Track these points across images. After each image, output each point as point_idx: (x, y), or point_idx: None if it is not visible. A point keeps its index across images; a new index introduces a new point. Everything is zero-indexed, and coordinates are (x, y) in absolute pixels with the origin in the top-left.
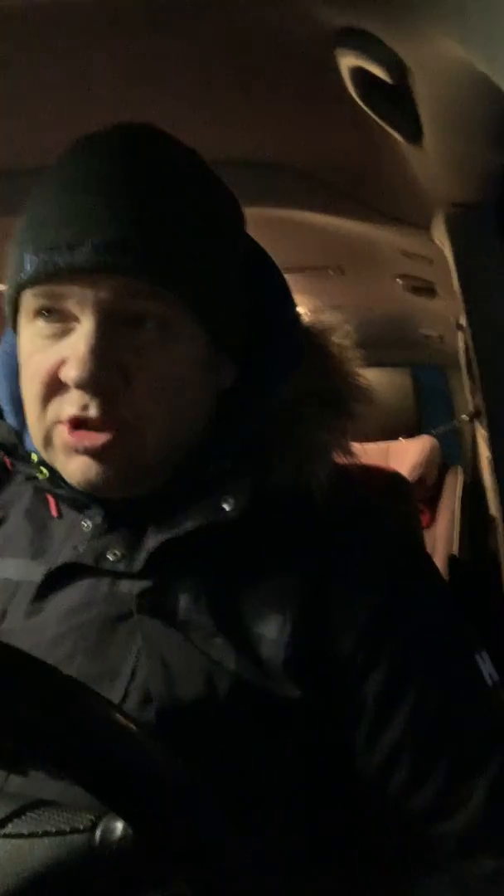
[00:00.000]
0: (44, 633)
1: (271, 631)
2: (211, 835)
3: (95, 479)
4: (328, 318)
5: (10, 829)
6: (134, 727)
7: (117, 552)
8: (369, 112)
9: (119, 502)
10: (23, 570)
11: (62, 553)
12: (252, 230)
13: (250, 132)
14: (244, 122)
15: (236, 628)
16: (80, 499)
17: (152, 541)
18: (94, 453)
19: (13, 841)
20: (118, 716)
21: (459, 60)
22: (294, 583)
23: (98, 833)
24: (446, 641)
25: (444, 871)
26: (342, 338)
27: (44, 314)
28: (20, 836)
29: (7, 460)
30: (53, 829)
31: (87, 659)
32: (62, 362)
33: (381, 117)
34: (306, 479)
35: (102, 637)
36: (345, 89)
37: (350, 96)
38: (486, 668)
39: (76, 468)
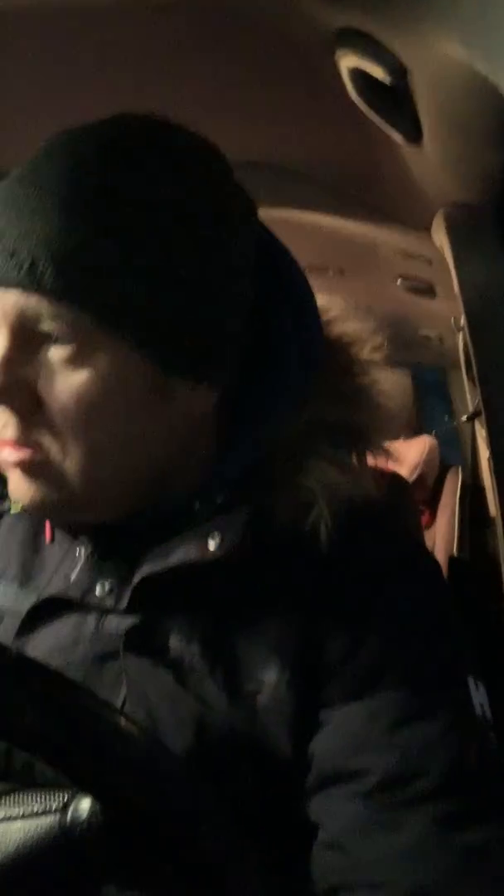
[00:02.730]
0: None
1: (270, 675)
2: (181, 811)
3: (24, 499)
4: (356, 327)
5: None
6: (105, 707)
7: (106, 584)
8: (369, 113)
9: (108, 531)
10: (10, 597)
11: (52, 582)
12: None
13: (250, 132)
14: (244, 122)
15: (231, 671)
16: (69, 526)
17: (137, 577)
18: (23, 469)
19: None
20: (88, 697)
21: (459, 61)
22: (292, 624)
23: (69, 813)
24: (431, 665)
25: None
26: (371, 353)
27: None
28: None
29: None
30: (24, 812)
31: None
32: None
33: (380, 118)
34: (314, 523)
35: (88, 678)
36: (345, 90)
37: (349, 97)
38: (479, 697)
39: (12, 485)
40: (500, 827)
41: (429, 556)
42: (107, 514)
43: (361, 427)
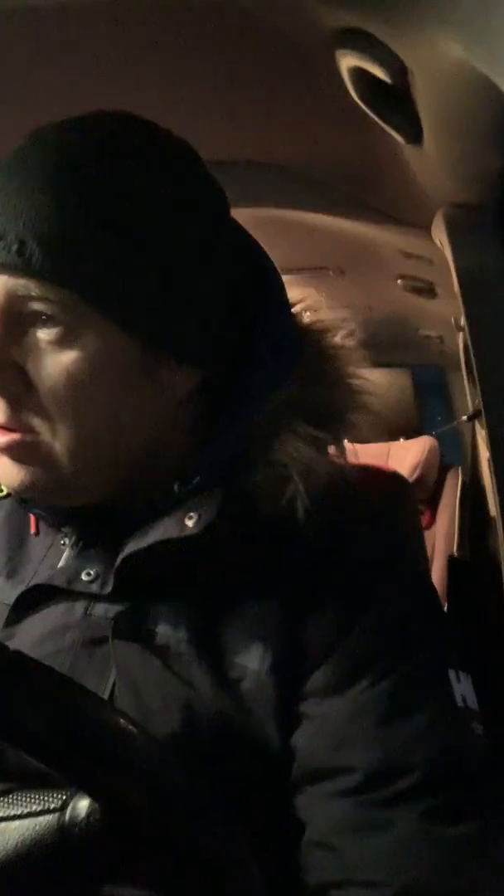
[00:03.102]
0: None
1: (253, 661)
2: (180, 810)
3: (12, 482)
4: (327, 316)
5: None
6: (102, 704)
7: (91, 571)
8: (369, 112)
9: (92, 519)
10: None
11: (38, 573)
12: (252, 230)
13: (250, 132)
14: (244, 122)
15: (216, 657)
16: (53, 516)
17: (119, 556)
18: (9, 454)
19: None
20: (85, 695)
21: (459, 61)
22: (275, 608)
23: (68, 812)
24: (414, 657)
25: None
26: (344, 338)
27: None
28: None
29: None
30: (23, 812)
31: None
32: None
33: (381, 118)
34: (290, 500)
35: (77, 663)
36: (345, 89)
37: (350, 96)
38: (461, 688)
39: (1, 469)
40: (486, 819)
41: (412, 547)
42: (92, 496)
43: (335, 407)
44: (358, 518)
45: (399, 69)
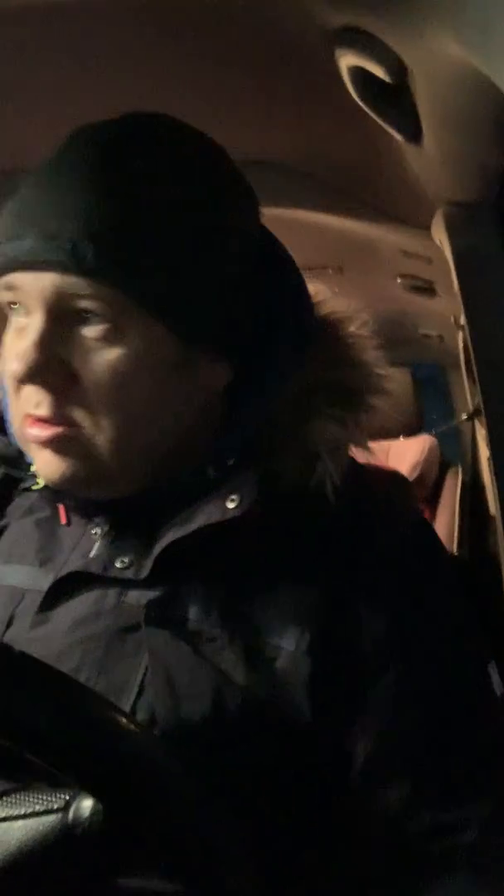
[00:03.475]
0: (50, 645)
1: (289, 642)
2: (182, 809)
3: (54, 475)
4: (343, 307)
5: None
6: (105, 704)
7: (125, 559)
8: (369, 112)
9: (124, 508)
10: (30, 578)
11: (70, 561)
12: None
13: (250, 130)
14: (244, 121)
15: (250, 640)
16: (84, 506)
17: (158, 545)
18: (51, 447)
19: None
20: (89, 694)
21: (459, 60)
22: (310, 590)
23: (71, 812)
24: (457, 654)
25: (463, 870)
26: (359, 328)
27: (12, 308)
28: None
29: (13, 473)
30: (27, 812)
31: (94, 673)
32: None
33: (380, 117)
34: (320, 479)
35: (110, 650)
36: (345, 89)
37: (350, 96)
38: (495, 678)
39: (42, 462)
40: None
41: (435, 533)
42: (129, 487)
43: (354, 387)
44: (381, 502)
45: (399, 68)
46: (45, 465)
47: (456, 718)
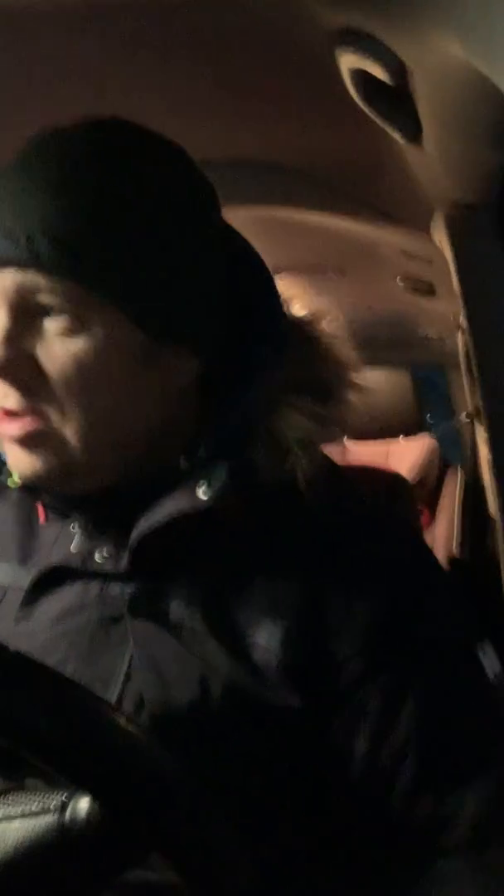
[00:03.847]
0: (34, 639)
1: (262, 637)
2: (179, 808)
3: (26, 470)
4: (313, 303)
5: None
6: (102, 704)
7: (104, 552)
8: (370, 113)
9: (100, 503)
10: (11, 575)
11: (52, 556)
12: (252, 230)
13: (250, 132)
14: (244, 122)
15: (228, 632)
16: (61, 504)
17: (133, 536)
18: (22, 443)
19: None
20: (85, 695)
21: (459, 61)
22: (288, 587)
23: (67, 812)
24: (449, 645)
25: (458, 858)
26: (329, 324)
27: None
28: None
29: None
30: (23, 812)
31: (80, 664)
32: None
33: (381, 117)
34: (291, 471)
35: (94, 641)
36: (345, 89)
37: (350, 96)
38: (488, 661)
39: (12, 459)
40: None
41: (417, 530)
42: (101, 480)
43: (327, 381)
44: (367, 495)
45: (399, 69)
46: (18, 461)
47: (451, 705)
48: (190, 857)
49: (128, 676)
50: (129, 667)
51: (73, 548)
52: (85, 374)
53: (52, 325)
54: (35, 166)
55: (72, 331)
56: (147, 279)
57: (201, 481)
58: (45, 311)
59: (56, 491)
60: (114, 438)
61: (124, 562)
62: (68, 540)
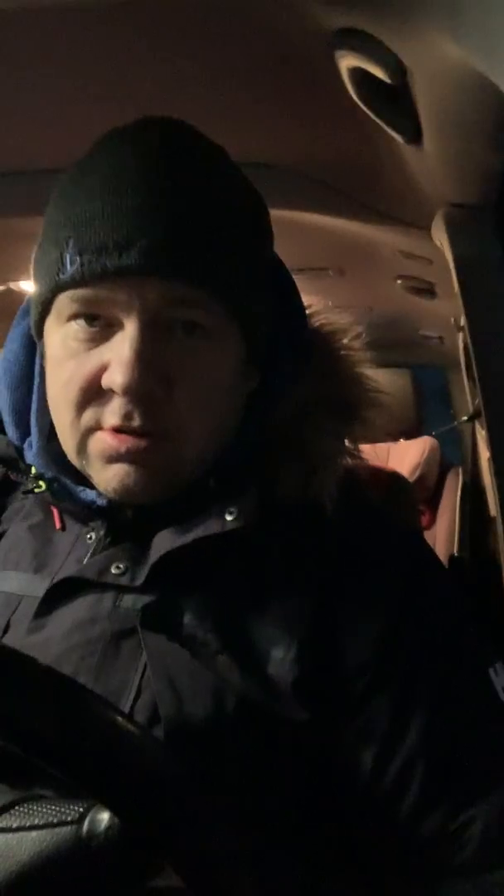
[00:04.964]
0: (47, 651)
1: (278, 649)
2: (194, 822)
3: (133, 486)
4: (336, 319)
5: None
6: (119, 716)
7: (121, 565)
8: (369, 112)
9: (123, 515)
10: (25, 584)
11: (65, 567)
12: None
13: (250, 132)
14: (244, 122)
15: (242, 646)
16: (81, 511)
17: (155, 553)
18: (135, 459)
19: (2, 836)
20: (103, 706)
21: (458, 61)
22: (302, 600)
23: (85, 824)
24: (458, 660)
25: (465, 880)
26: (353, 339)
27: (83, 318)
28: (8, 830)
29: (11, 475)
30: (41, 822)
31: (92, 677)
32: (103, 368)
33: (380, 118)
34: (315, 491)
35: (107, 654)
36: (344, 90)
37: (350, 97)
38: (501, 681)
39: (114, 475)
40: None
41: (425, 542)
42: (169, 496)
43: (350, 401)
44: (378, 504)
45: (398, 69)
46: (124, 477)
47: (460, 721)
48: (199, 869)
49: (139, 690)
50: (142, 680)
51: (88, 558)
52: (213, 391)
53: (189, 342)
54: (156, 174)
55: (207, 348)
56: (256, 295)
57: (231, 507)
58: (183, 327)
59: (80, 498)
60: (213, 451)
61: (141, 577)
62: (84, 549)
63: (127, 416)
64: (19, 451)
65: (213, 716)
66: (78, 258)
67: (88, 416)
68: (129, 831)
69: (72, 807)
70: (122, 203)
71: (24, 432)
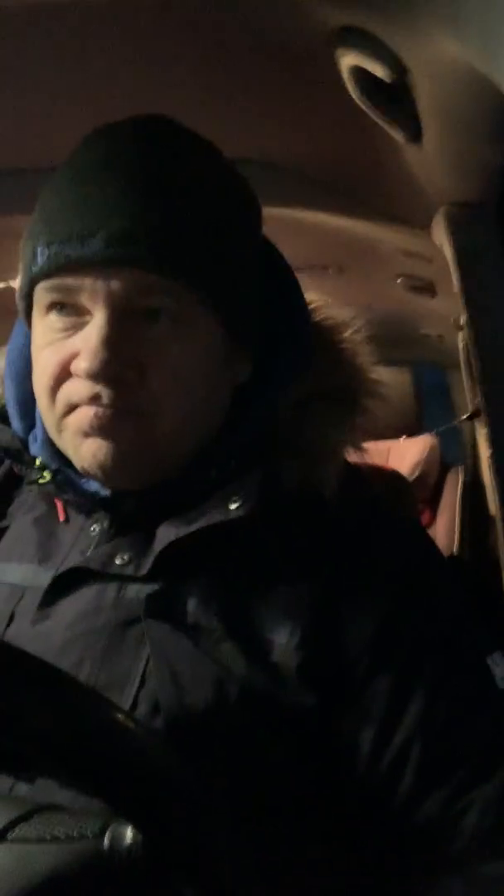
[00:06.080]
0: (51, 641)
1: (281, 636)
2: (219, 841)
3: (105, 462)
4: (338, 313)
5: (17, 833)
6: (142, 730)
7: (125, 556)
8: (369, 112)
9: (125, 505)
10: (30, 576)
11: (69, 558)
12: None
13: (250, 132)
14: (244, 121)
15: (246, 633)
16: (85, 503)
17: (159, 543)
18: (106, 433)
19: (21, 846)
20: (127, 719)
21: (459, 60)
22: (304, 587)
23: (106, 839)
24: (455, 647)
25: (458, 872)
26: (353, 333)
27: (56, 308)
28: (27, 841)
29: (15, 466)
30: (61, 835)
31: (96, 666)
32: (74, 356)
33: (380, 117)
34: (317, 480)
35: (111, 643)
36: (345, 89)
37: (350, 96)
38: (499, 670)
39: (87, 450)
40: None
41: (427, 533)
42: (157, 478)
43: (350, 391)
44: (376, 503)
45: (399, 68)
46: (97, 451)
47: (457, 707)
48: (203, 872)
49: (143, 680)
50: (146, 669)
51: (92, 549)
52: (186, 375)
53: (157, 329)
54: (126, 163)
55: (176, 334)
56: (236, 282)
57: (235, 496)
58: (150, 314)
59: (84, 490)
60: (193, 435)
61: (146, 567)
62: (88, 540)
63: (96, 397)
64: (24, 443)
65: (214, 706)
66: (47, 250)
67: (62, 396)
68: (153, 849)
69: (93, 820)
70: (87, 194)
71: (29, 424)
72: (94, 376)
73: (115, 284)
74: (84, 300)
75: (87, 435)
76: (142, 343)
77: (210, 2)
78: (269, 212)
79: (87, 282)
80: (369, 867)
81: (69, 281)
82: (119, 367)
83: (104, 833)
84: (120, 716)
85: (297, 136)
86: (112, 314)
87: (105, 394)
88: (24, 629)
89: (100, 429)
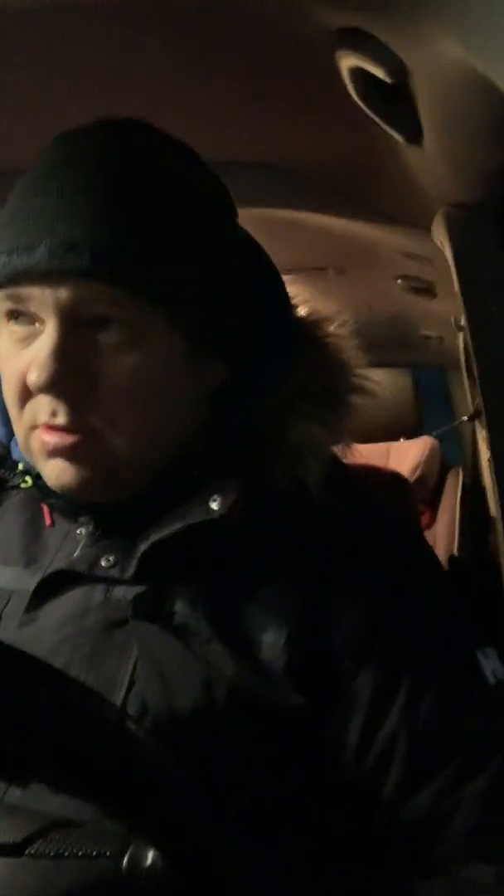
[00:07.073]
0: (39, 643)
1: (269, 635)
2: (216, 839)
3: (69, 482)
4: (321, 307)
5: (35, 849)
6: (143, 733)
7: (111, 558)
8: (369, 112)
9: (110, 509)
10: (15, 579)
11: (55, 561)
12: (252, 230)
13: (250, 132)
14: (244, 122)
15: (233, 633)
16: (70, 507)
17: (143, 545)
18: (66, 455)
19: (40, 862)
20: (128, 721)
21: (459, 61)
22: (292, 586)
23: (126, 860)
24: (443, 643)
25: (443, 875)
26: (338, 328)
27: (14, 317)
28: (46, 857)
29: None
30: (80, 853)
31: (84, 669)
32: (29, 367)
33: (381, 117)
34: (302, 478)
35: (98, 645)
36: (345, 89)
37: (350, 96)
38: (490, 664)
39: (51, 471)
40: None
41: (421, 533)
42: (132, 489)
43: (333, 387)
44: (368, 494)
45: (399, 69)
46: (60, 474)
47: (444, 702)
48: (187, 853)
49: (131, 682)
50: (133, 672)
51: (78, 552)
52: (139, 386)
53: (108, 338)
54: (78, 171)
55: (128, 343)
56: (190, 285)
57: (215, 495)
58: (100, 324)
59: (84, 499)
60: (156, 448)
61: (131, 569)
62: (73, 544)
63: (52, 414)
64: (7, 448)
65: (202, 707)
66: (1, 258)
67: (28, 414)
68: (173, 870)
69: (111, 839)
70: (35, 204)
71: (11, 430)
72: (44, 388)
73: (62, 294)
74: (35, 309)
75: (49, 456)
76: (92, 352)
77: (210, 3)
78: (269, 213)
79: (35, 291)
80: (361, 867)
81: (21, 291)
82: (69, 377)
83: (124, 853)
84: (120, 718)
85: (297, 138)
86: (61, 323)
87: (61, 410)
88: (12, 632)
89: (59, 452)
